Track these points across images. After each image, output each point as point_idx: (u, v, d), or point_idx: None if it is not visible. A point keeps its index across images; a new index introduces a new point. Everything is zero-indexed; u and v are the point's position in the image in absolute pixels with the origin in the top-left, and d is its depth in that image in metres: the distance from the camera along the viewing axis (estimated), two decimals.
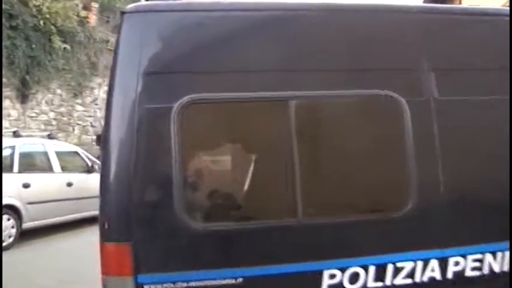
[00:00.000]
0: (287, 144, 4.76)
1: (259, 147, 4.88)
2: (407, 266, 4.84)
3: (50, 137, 15.59)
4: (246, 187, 4.79)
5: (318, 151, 4.93)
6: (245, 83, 4.77)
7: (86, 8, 23.95)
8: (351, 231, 4.82)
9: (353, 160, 4.91)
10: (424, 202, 4.85)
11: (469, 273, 4.93)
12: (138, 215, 4.55)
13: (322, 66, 4.89)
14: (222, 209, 4.80)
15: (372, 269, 4.80)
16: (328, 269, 4.74)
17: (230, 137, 4.88)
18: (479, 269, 4.96)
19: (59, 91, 22.11)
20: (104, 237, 4.60)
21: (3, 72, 18.41)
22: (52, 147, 14.25)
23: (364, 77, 4.93)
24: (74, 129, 23.03)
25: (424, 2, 16.11)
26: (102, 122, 4.77)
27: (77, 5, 22.89)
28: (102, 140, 4.65)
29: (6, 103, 19.35)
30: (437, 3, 6.72)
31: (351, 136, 4.93)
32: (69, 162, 14.48)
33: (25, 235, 13.05)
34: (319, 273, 4.73)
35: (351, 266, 4.77)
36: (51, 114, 21.90)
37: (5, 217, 12.35)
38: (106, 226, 4.59)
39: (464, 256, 4.92)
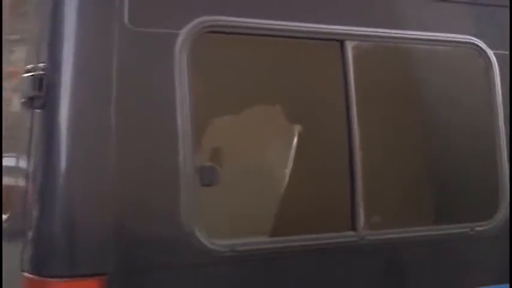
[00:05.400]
0: (342, 111, 2.94)
1: (303, 114, 2.96)
2: None
3: None
4: (286, 178, 2.87)
5: (390, 124, 3.13)
6: (285, 5, 2.87)
7: None
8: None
9: (440, 141, 3.22)
10: None
11: None
12: (118, 227, 2.47)
13: None
14: (253, 216, 2.81)
15: None
16: None
17: (262, 93, 2.89)
18: None
19: None
20: (45, 269, 2.45)
21: None
22: None
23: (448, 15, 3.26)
24: None
25: None
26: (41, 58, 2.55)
27: None
28: (46, 87, 2.49)
29: None
30: None
31: (436, 104, 3.23)
32: None
33: None
34: None
35: None
36: None
37: None
38: (49, 247, 2.46)
39: None
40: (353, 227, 2.93)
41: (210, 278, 2.65)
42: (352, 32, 2.99)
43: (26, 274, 2.47)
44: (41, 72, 2.48)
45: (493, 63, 3.32)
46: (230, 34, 2.74)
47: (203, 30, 2.66)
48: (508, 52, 3.36)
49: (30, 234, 2.50)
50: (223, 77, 2.76)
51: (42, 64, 2.49)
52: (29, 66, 2.56)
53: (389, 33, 3.09)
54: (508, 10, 3.42)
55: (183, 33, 2.61)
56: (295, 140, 2.90)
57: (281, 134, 2.91)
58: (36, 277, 2.44)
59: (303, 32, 2.89)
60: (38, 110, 2.49)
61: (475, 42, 3.29)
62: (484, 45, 3.30)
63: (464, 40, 3.29)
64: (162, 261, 2.55)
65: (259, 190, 2.84)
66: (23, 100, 2.56)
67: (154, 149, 2.57)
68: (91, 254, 2.46)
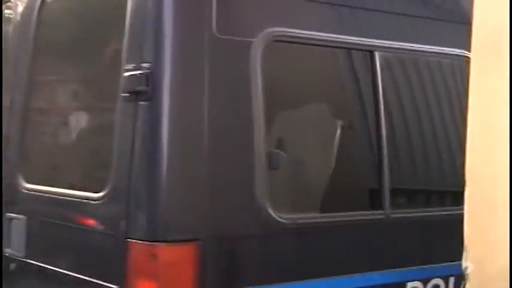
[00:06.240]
0: (373, 110, 3.53)
1: (344, 112, 3.57)
2: None
3: None
4: (332, 165, 3.43)
5: (410, 121, 3.75)
6: (332, 20, 3.46)
7: None
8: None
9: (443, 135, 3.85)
10: None
11: None
12: (209, 202, 2.98)
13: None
14: (309, 195, 3.38)
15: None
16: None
17: (314, 93, 3.47)
18: None
19: None
20: (150, 235, 2.94)
21: None
22: None
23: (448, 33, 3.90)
24: None
25: None
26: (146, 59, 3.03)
27: None
28: (152, 83, 2.97)
29: None
30: None
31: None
32: None
33: None
34: None
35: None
36: None
37: None
38: (153, 219, 2.97)
39: None
40: (380, 207, 3.52)
41: (276, 246, 3.18)
42: (380, 44, 3.61)
43: (132, 240, 2.96)
44: (147, 70, 2.97)
45: None
46: (291, 43, 3.29)
47: (272, 39, 3.19)
48: None
49: (135, 208, 3.00)
50: (285, 79, 3.32)
51: (147, 64, 2.98)
52: (130, 66, 3.03)
53: (409, 46, 3.70)
54: None
55: (256, 41, 3.14)
56: (339, 132, 3.48)
57: (327, 128, 3.49)
58: (142, 242, 2.94)
59: (345, 43, 3.47)
60: (144, 103, 2.98)
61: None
62: None
63: (462, 54, 3.94)
64: (242, 230, 3.08)
65: (313, 174, 3.41)
66: (126, 95, 3.02)
67: (236, 139, 3.09)
68: (188, 223, 2.98)
